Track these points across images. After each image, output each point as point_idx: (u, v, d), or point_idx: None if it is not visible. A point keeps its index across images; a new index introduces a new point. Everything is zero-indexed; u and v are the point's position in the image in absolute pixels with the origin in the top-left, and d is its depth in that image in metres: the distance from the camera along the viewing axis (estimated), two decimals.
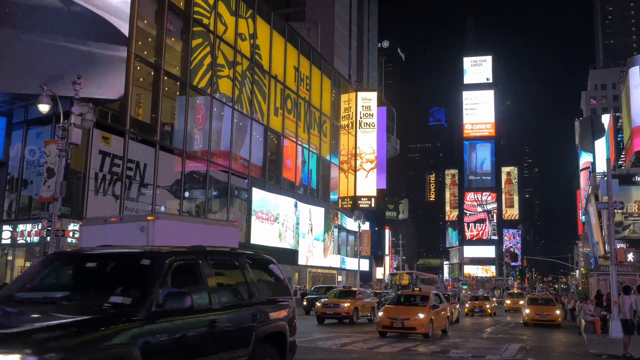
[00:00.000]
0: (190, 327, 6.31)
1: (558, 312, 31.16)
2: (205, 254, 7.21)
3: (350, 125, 60.72)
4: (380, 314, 21.49)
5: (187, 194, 35.44)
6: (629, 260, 37.26)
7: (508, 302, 52.85)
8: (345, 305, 26.99)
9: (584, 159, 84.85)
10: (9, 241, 29.06)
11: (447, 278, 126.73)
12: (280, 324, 8.13)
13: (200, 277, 6.79)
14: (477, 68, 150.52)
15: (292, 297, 9.02)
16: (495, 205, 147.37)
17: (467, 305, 44.01)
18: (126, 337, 5.38)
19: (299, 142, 49.28)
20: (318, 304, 28.24)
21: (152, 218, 11.12)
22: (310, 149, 51.71)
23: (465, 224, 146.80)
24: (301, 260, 47.80)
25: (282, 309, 8.36)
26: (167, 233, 10.75)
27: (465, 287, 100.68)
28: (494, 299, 64.28)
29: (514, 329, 27.76)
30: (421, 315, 20.10)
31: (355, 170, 60.69)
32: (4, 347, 4.54)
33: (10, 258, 30.11)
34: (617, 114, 66.71)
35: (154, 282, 6.02)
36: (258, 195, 41.63)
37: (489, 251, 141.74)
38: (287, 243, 45.53)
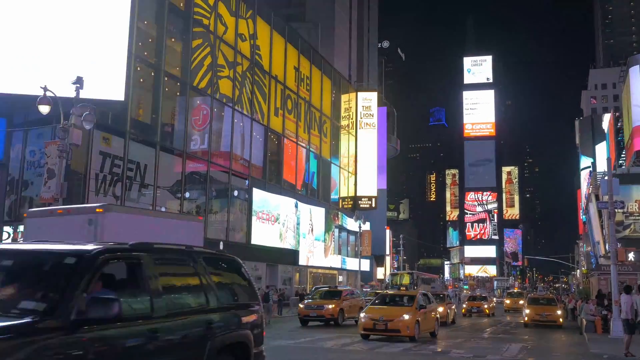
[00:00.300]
0: (122, 338, 5.35)
1: (559, 312, 30.40)
2: (151, 251, 6.24)
3: (350, 125, 60.72)
4: (362, 315, 19.73)
5: (187, 195, 35.44)
6: (629, 259, 37.23)
7: (507, 301, 51.60)
8: (330, 306, 25.60)
9: (585, 159, 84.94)
10: (9, 242, 29.08)
11: (448, 278, 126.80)
12: (242, 333, 7.16)
13: (142, 279, 5.81)
14: (478, 68, 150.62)
15: (259, 302, 8.02)
16: (495, 205, 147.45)
17: (464, 305, 43.21)
18: (34, 351, 4.45)
19: (299, 143, 49.28)
20: (301, 305, 27.07)
21: (101, 210, 10.00)
22: (311, 149, 51.72)
23: (466, 223, 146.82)
24: (302, 261, 47.80)
25: (246, 316, 7.38)
26: (119, 227, 9.58)
27: (466, 287, 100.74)
28: (494, 299, 64.22)
29: (514, 330, 27.73)
30: (406, 317, 18.67)
31: (355, 171, 60.69)
32: None
33: None
34: (618, 113, 66.73)
35: (77, 285, 5.03)
36: (258, 196, 41.63)
37: (490, 251, 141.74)
38: (287, 243, 45.53)
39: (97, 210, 9.69)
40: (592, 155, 76.43)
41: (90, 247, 5.69)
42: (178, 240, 7.59)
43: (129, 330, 5.46)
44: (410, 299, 20.47)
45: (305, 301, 27.56)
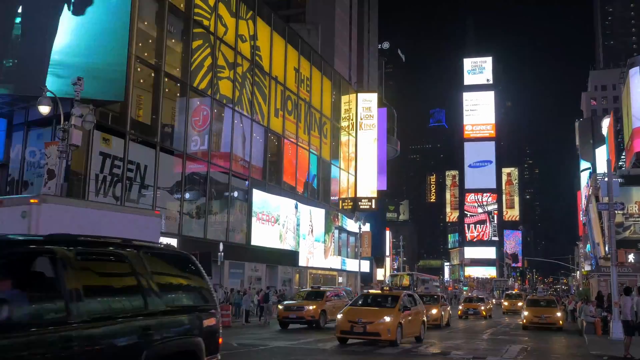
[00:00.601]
0: (21, 349, 4.46)
1: (559, 314, 29.55)
2: (72, 244, 5.38)
3: (350, 126, 60.73)
4: (339, 316, 18.21)
5: (187, 196, 35.44)
6: (629, 261, 37.20)
7: (505, 303, 49.96)
8: (311, 307, 24.19)
9: (584, 162, 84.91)
10: None
11: (448, 279, 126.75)
12: (190, 341, 6.29)
13: (56, 277, 4.97)
14: (478, 69, 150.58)
15: (216, 305, 7.13)
16: (495, 206, 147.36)
17: (460, 307, 41.97)
18: None
19: (299, 144, 49.28)
20: (280, 306, 25.67)
21: (36, 201, 8.96)
22: (311, 150, 51.72)
23: (466, 225, 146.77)
24: (302, 262, 47.79)
25: (197, 321, 6.52)
26: (57, 221, 8.63)
27: (465, 288, 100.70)
28: (493, 300, 63.94)
29: (512, 332, 27.68)
30: (387, 319, 17.21)
31: (355, 172, 60.69)
32: None
33: None
34: (618, 115, 66.70)
35: None
36: (258, 197, 41.62)
37: (490, 252, 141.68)
38: (287, 244, 45.51)
39: (32, 201, 8.59)
40: (592, 157, 76.38)
41: None
42: (131, 236, 6.72)
43: (27, 339, 4.54)
44: (394, 300, 18.79)
45: (285, 302, 26.16)
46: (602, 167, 65.16)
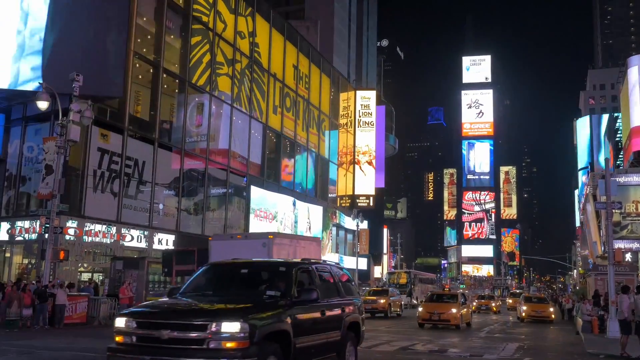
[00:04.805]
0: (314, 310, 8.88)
1: (552, 309, 34.00)
2: (313, 264, 9.77)
3: (349, 123, 60.69)
4: (420, 309, 25.62)
5: (185, 192, 35.43)
6: (626, 260, 37.24)
7: (510, 301, 55.17)
8: (382, 301, 31.24)
9: (582, 159, 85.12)
10: (7, 238, 29.05)
11: (445, 277, 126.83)
12: (357, 316, 10.49)
13: (311, 280, 9.21)
14: (476, 67, 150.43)
15: (359, 296, 11.60)
16: (493, 204, 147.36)
17: (474, 303, 45.81)
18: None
19: (297, 141, 49.26)
20: None
21: (271, 237, 14.29)
22: (309, 147, 51.70)
23: (464, 223, 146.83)
24: None
25: (356, 304, 10.66)
26: (280, 248, 13.70)
27: (462, 286, 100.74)
28: (498, 298, 64.83)
29: (512, 328, 27.82)
30: (454, 310, 24.10)
31: (353, 169, 60.68)
32: (229, 318, 7.18)
33: (8, 255, 30.10)
34: (616, 114, 66.79)
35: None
36: (256, 194, 41.61)
37: (487, 250, 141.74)
38: None
39: (269, 237, 14.37)
40: (590, 155, 76.71)
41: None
42: (310, 254, 12.55)
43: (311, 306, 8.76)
44: (454, 297, 26.38)
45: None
46: (600, 163, 65.65)
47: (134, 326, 7.40)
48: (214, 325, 7.03)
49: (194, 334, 7.09)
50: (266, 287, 8.71)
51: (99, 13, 28.66)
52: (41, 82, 20.49)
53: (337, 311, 9.66)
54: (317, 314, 8.89)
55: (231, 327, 7.05)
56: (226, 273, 9.52)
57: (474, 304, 45.34)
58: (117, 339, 7.49)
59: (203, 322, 7.13)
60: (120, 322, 7.59)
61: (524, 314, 32.86)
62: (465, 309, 25.84)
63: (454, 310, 24.11)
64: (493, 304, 46.30)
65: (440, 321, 24.07)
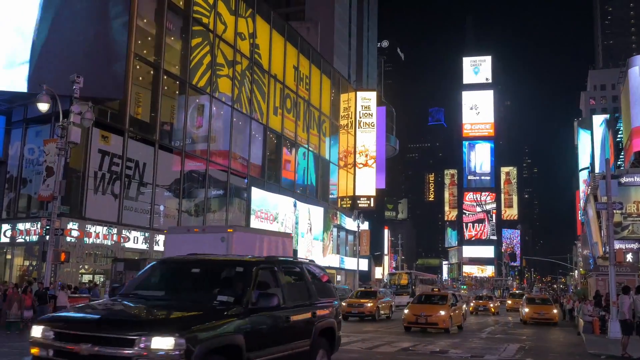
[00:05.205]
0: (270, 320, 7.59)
1: (555, 311, 31.86)
2: (279, 262, 8.55)
3: (349, 124, 60.70)
4: (405, 311, 23.59)
5: (186, 194, 35.43)
6: (627, 260, 37.22)
7: (509, 302, 53.65)
8: (369, 304, 28.95)
9: (583, 159, 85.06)
10: (8, 240, 29.06)
11: (446, 278, 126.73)
12: (331, 321, 9.25)
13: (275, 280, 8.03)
14: (477, 68, 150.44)
15: (336, 297, 10.16)
16: (494, 205, 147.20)
17: (471, 304, 45.09)
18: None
19: (298, 142, 49.26)
20: (343, 303, 28.96)
21: (231, 230, 12.55)
22: (310, 148, 51.69)
23: (464, 224, 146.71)
24: None
25: (332, 308, 9.50)
26: (241, 243, 11.93)
27: (464, 287, 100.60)
28: (497, 299, 64.55)
29: (513, 329, 27.78)
30: (442, 312, 22.35)
31: (354, 170, 60.67)
32: (161, 331, 5.94)
33: (9, 257, 30.11)
34: (617, 114, 66.75)
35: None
36: (257, 195, 41.60)
37: (488, 251, 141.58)
38: None
39: (229, 230, 12.52)
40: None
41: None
42: (277, 252, 10.21)
43: (272, 314, 7.49)
44: (444, 298, 24.29)
45: (346, 299, 29.90)
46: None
47: (51, 337, 6.12)
48: (142, 339, 5.84)
49: (118, 351, 5.88)
50: (220, 290, 7.40)
51: (100, 15, 28.67)
52: (41, 84, 20.47)
53: (307, 316, 8.44)
54: (280, 322, 7.67)
55: (164, 342, 5.83)
56: (175, 272, 8.24)
57: (472, 304, 44.72)
58: (33, 351, 6.21)
59: (130, 336, 5.88)
60: (36, 331, 6.28)
61: (525, 316, 31.31)
62: (457, 311, 24.35)
63: (442, 313, 22.32)
64: (491, 305, 44.57)
65: (427, 324, 22.32)
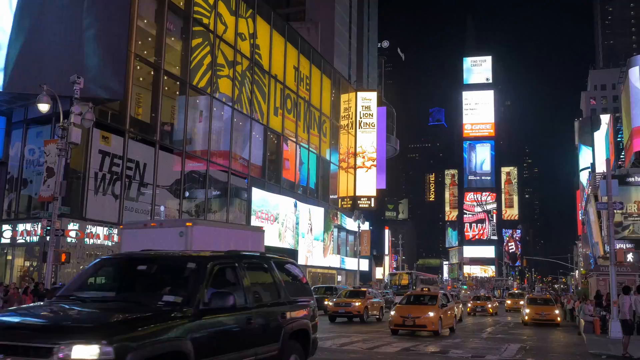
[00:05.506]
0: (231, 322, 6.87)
1: (557, 312, 30.90)
2: (241, 258, 7.76)
3: (350, 125, 60.71)
4: (392, 312, 22.10)
5: (186, 194, 35.43)
6: (628, 260, 37.21)
7: (509, 302, 53.02)
8: (357, 304, 27.32)
9: (584, 157, 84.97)
10: (8, 240, 29.07)
11: (447, 278, 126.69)
12: (305, 322, 8.48)
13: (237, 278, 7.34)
14: (477, 68, 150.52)
15: (313, 297, 9.41)
16: (494, 205, 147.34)
17: (469, 304, 44.41)
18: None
19: (298, 142, 49.27)
20: (330, 303, 28.52)
21: (190, 224, 11.59)
22: (310, 148, 51.70)
23: (465, 224, 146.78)
24: (301, 260, 47.78)
25: (306, 308, 8.75)
26: (202, 238, 11.06)
27: (464, 287, 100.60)
28: (495, 299, 64.44)
29: (513, 329, 27.75)
30: (431, 314, 20.90)
31: (355, 170, 60.68)
32: (83, 338, 5.12)
33: (9, 257, 30.11)
34: (617, 114, 66.74)
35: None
36: (258, 195, 41.61)
37: (489, 251, 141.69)
38: (286, 243, 45.51)
39: (187, 224, 11.22)
40: (592, 144, 76.92)
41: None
42: (246, 247, 9.04)
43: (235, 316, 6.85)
44: (433, 299, 22.65)
45: (334, 299, 29.08)
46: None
47: None
48: (61, 348, 5.03)
49: None
50: (169, 289, 6.63)
51: (100, 15, 28.66)
52: (42, 84, 20.46)
53: (274, 318, 7.68)
54: (240, 325, 6.89)
55: (86, 351, 5.03)
56: (120, 270, 7.47)
57: (469, 305, 44.16)
58: None
59: (47, 344, 5.07)
60: None
61: (526, 317, 30.25)
62: (449, 312, 22.91)
63: (431, 314, 20.86)
64: (489, 306, 43.19)
65: (415, 327, 20.94)
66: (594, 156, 73.41)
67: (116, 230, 28.93)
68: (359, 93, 62.56)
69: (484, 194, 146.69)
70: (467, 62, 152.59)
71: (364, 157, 61.12)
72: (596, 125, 75.09)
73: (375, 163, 61.29)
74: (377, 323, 27.37)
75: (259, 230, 15.08)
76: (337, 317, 27.41)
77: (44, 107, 20.13)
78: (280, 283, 8.19)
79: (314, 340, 8.79)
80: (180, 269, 7.06)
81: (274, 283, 8.09)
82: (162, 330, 5.72)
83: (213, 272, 6.78)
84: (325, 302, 29.41)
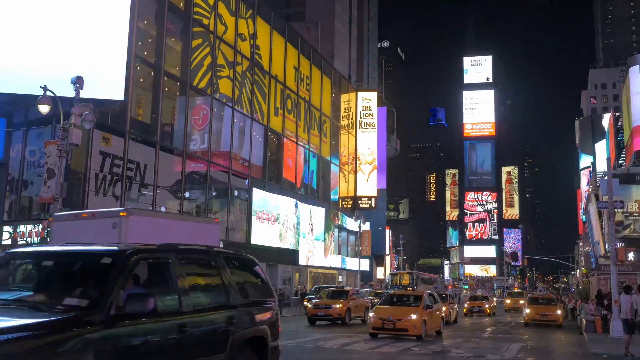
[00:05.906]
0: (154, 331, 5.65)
1: (559, 312, 30.42)
2: (178, 252, 6.48)
3: (350, 125, 60.71)
4: (371, 314, 20.50)
5: (187, 195, 35.42)
6: (629, 259, 37.18)
7: (508, 301, 52.32)
8: (338, 306, 25.89)
9: (584, 159, 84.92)
10: (9, 242, 29.07)
11: (448, 278, 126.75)
12: (261, 328, 7.41)
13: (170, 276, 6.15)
14: (477, 68, 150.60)
15: (275, 299, 8.31)
16: (495, 205, 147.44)
17: (465, 305, 43.63)
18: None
19: (299, 142, 49.27)
20: (309, 304, 27.38)
21: (124, 214, 10.14)
22: (311, 149, 51.71)
23: (466, 223, 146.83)
24: (302, 261, 47.80)
25: (264, 312, 7.61)
26: (141, 230, 9.69)
27: (466, 287, 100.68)
28: (494, 299, 64.32)
29: (514, 329, 27.72)
30: (414, 316, 19.18)
31: (355, 171, 60.68)
32: None
33: None
34: (618, 113, 66.66)
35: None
36: (258, 196, 41.62)
37: (490, 251, 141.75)
38: (287, 243, 45.52)
39: (121, 214, 9.90)
40: (592, 151, 76.64)
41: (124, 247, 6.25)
42: (198, 242, 7.43)
43: (161, 324, 5.81)
44: (417, 299, 20.91)
45: (313, 301, 27.95)
46: (602, 162, 65.19)
47: None
48: None
49: None
50: (81, 290, 5.50)
51: (101, 16, 28.66)
52: (42, 86, 20.45)
53: (219, 323, 6.63)
54: (168, 333, 5.77)
55: None
56: (25, 267, 6.53)
57: (466, 305, 43.30)
58: None
59: None
60: None
61: (527, 317, 29.75)
62: (435, 313, 21.28)
63: (413, 317, 19.05)
64: (486, 306, 42.04)
65: (395, 330, 19.05)
66: (594, 161, 73.26)
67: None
68: (359, 93, 62.55)
69: (484, 193, 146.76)
70: (467, 61, 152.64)
71: (364, 157, 61.09)
72: (598, 135, 74.13)
73: (375, 163, 61.27)
74: (360, 325, 25.82)
75: (213, 223, 14.16)
76: (317, 320, 26.01)
77: (44, 109, 20.13)
78: (230, 282, 7.10)
79: (274, 349, 7.70)
80: (94, 265, 5.86)
81: (221, 283, 7.00)
82: (53, 343, 4.53)
83: (134, 269, 5.69)
84: (305, 303, 28.69)
